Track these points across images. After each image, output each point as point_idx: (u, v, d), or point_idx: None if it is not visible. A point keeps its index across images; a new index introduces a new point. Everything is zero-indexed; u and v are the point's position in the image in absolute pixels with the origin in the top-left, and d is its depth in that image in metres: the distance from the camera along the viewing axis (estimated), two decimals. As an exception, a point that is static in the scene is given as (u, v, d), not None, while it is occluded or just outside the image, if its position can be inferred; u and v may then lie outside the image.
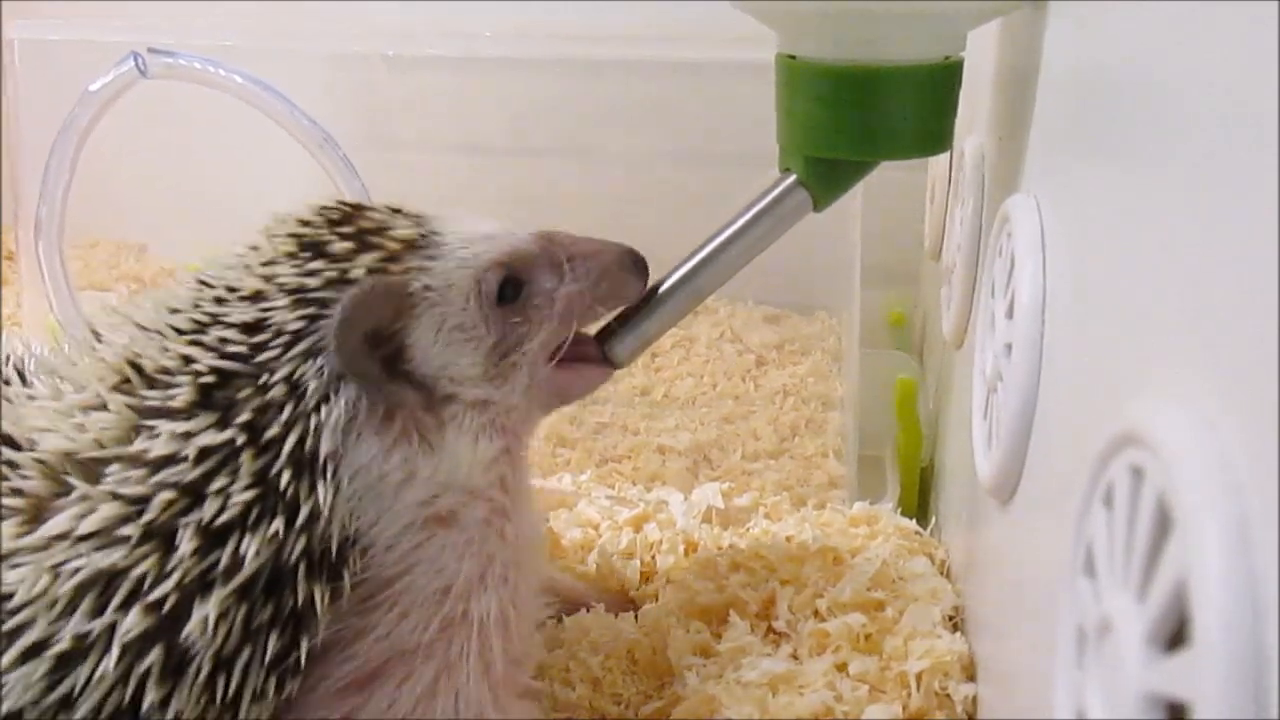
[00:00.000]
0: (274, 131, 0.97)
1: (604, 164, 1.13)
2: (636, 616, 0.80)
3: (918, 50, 0.66)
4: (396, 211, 0.63)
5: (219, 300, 0.59)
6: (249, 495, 0.54)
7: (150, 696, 0.51)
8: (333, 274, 0.59)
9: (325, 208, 0.63)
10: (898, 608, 0.74)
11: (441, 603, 0.61)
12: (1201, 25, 0.37)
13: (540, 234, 0.67)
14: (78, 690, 0.51)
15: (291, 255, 0.60)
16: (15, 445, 0.56)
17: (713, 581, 0.80)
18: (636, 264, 0.69)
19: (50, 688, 0.51)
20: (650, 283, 0.72)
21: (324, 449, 0.56)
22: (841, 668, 0.70)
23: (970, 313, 0.83)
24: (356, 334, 0.57)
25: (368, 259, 0.60)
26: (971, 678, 0.69)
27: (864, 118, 0.68)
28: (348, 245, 0.60)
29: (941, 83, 0.68)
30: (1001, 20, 0.73)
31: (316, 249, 0.60)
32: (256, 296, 0.58)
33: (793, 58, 0.69)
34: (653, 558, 0.88)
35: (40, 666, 0.51)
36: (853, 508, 0.91)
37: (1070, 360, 0.52)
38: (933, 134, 0.70)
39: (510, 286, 0.64)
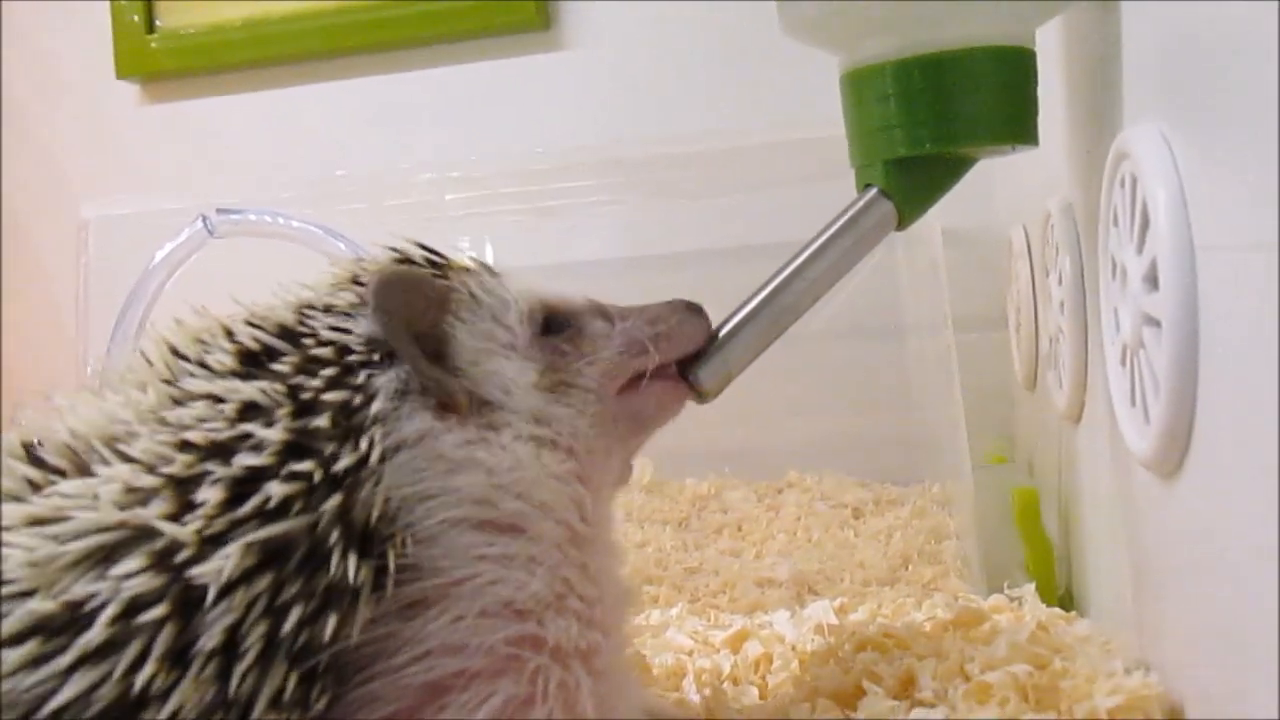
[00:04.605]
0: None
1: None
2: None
3: (984, 31, 0.65)
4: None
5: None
6: (285, 436, 0.47)
7: (147, 671, 0.41)
8: None
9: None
10: (1067, 659, 0.61)
11: (504, 616, 0.50)
12: None
13: (588, 299, 0.65)
14: (65, 667, 0.41)
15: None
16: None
17: (837, 665, 0.67)
18: (690, 305, 0.65)
19: (36, 669, 0.41)
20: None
21: (372, 410, 0.50)
22: (1012, 725, 0.57)
23: (1086, 373, 0.77)
24: (394, 320, 0.53)
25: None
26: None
27: (938, 105, 0.65)
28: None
29: (1013, 64, 0.65)
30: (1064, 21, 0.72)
31: None
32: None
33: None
34: (763, 678, 0.75)
35: (28, 648, 0.41)
36: (988, 599, 0.79)
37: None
38: (1013, 119, 0.66)
39: (556, 322, 0.61)
